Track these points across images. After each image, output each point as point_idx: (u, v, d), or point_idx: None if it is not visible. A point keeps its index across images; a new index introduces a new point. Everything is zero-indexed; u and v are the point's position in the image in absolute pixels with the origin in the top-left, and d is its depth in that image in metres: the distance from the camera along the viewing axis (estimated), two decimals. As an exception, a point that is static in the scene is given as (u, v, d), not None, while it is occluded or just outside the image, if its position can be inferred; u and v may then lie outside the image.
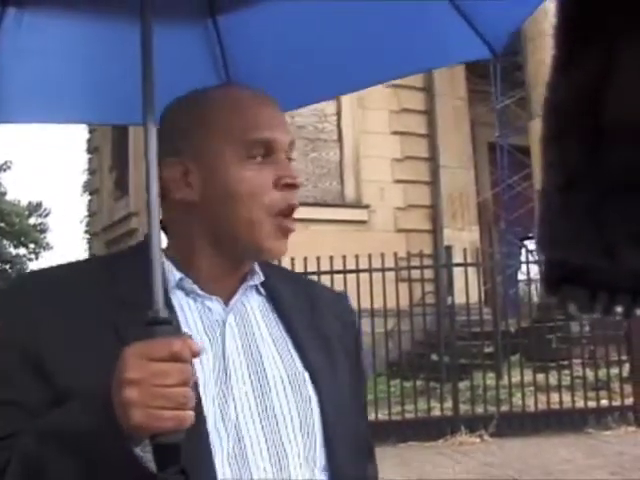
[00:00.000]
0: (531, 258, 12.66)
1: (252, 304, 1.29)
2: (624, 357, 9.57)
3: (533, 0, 1.51)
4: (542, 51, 12.64)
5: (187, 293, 1.22)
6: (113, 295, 1.16)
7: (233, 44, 1.55)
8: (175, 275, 1.22)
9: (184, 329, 1.17)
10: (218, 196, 1.20)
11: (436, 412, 9.21)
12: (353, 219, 14.09)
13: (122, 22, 1.43)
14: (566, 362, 9.70)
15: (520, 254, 17.49)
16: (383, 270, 9.32)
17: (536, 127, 12.77)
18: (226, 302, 1.24)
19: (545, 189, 0.64)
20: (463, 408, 9.25)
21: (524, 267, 11.77)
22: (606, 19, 0.58)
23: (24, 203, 30.32)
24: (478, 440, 8.76)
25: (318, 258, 8.98)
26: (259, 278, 1.29)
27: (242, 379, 1.20)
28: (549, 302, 11.18)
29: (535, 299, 11.63)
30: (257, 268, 1.30)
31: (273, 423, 1.19)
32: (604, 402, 9.21)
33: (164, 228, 1.24)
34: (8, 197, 29.07)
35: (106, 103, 1.66)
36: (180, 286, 1.22)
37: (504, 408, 9.14)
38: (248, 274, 1.29)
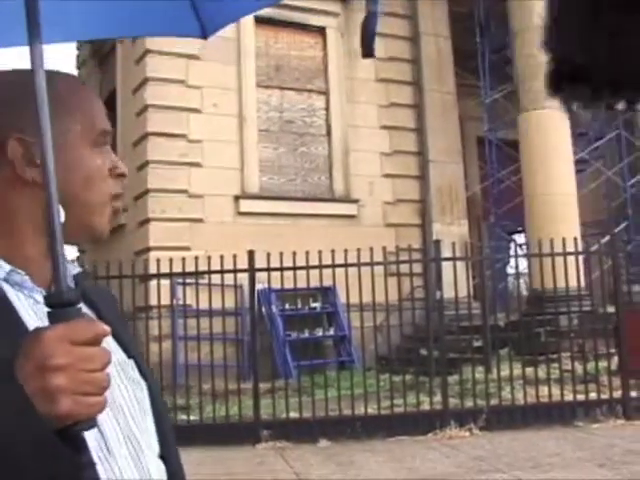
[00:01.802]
0: (520, 252, 12.68)
1: None
2: (612, 350, 9.62)
3: (253, 5, 1.68)
4: (530, 45, 12.63)
5: (13, 285, 1.12)
6: None
7: None
8: (4, 267, 1.12)
9: (28, 324, 1.09)
10: (64, 179, 1.12)
11: (425, 406, 9.22)
12: (342, 213, 14.09)
13: None
14: (555, 355, 9.74)
15: (509, 248, 17.51)
16: (372, 264, 9.32)
17: (525, 121, 12.79)
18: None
19: None
20: (452, 402, 9.26)
21: (513, 261, 11.77)
22: None
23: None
24: (467, 434, 8.78)
25: (307, 252, 8.97)
26: (74, 267, 1.23)
27: None
28: (538, 296, 11.21)
29: (524, 293, 11.64)
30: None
31: (119, 409, 1.15)
32: (593, 395, 9.24)
33: None
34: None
35: None
36: (7, 279, 1.12)
37: (493, 402, 9.16)
38: None
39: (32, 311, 1.12)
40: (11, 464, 0.89)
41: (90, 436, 1.00)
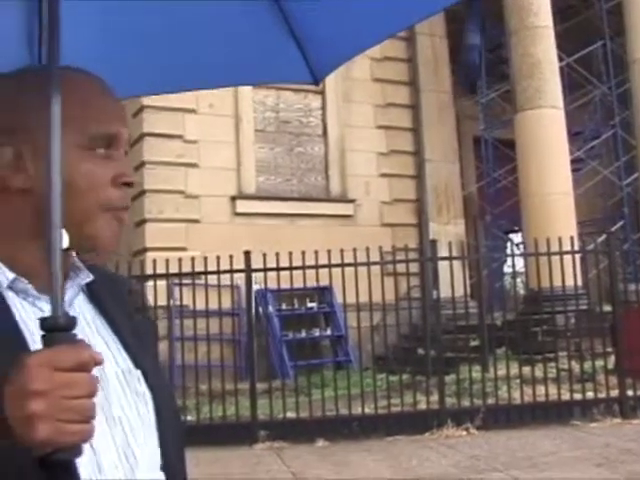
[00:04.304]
0: (516, 251, 12.68)
1: (80, 303, 1.21)
2: (609, 349, 9.61)
3: (363, 43, 1.62)
4: (526, 45, 12.65)
5: (17, 293, 1.11)
6: None
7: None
8: (7, 275, 1.11)
9: (24, 333, 1.08)
10: (42, 184, 1.08)
11: (422, 405, 9.22)
12: (339, 213, 14.09)
13: None
14: (552, 355, 9.74)
15: (506, 247, 17.55)
16: (369, 264, 9.32)
17: (521, 120, 12.80)
18: None
19: None
20: (449, 401, 9.26)
21: (509, 260, 11.78)
22: None
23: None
24: (464, 433, 8.77)
25: (303, 253, 8.97)
26: (87, 276, 1.21)
27: None
28: (535, 295, 11.22)
29: (521, 292, 11.65)
30: (80, 265, 1.22)
31: (118, 423, 1.13)
32: (590, 394, 9.25)
33: None
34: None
35: None
36: (11, 287, 1.11)
37: (490, 401, 9.16)
38: (70, 271, 1.19)
39: (35, 319, 1.06)
40: None
41: (83, 455, 0.98)
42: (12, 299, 1.10)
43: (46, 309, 1.09)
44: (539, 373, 9.36)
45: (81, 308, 1.19)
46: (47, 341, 0.94)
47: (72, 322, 0.97)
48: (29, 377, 0.88)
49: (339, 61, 1.68)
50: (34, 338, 1.04)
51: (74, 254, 1.20)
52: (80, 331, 1.08)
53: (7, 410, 0.88)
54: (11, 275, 1.11)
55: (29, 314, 1.10)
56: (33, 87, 1.14)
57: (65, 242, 1.04)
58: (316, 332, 11.71)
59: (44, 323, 0.95)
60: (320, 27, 1.53)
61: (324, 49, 1.57)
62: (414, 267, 11.08)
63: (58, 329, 0.95)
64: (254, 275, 9.46)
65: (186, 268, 9.32)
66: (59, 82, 1.08)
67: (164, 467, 1.19)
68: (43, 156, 1.06)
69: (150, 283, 10.11)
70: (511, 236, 18.95)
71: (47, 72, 1.11)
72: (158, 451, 1.19)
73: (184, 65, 1.62)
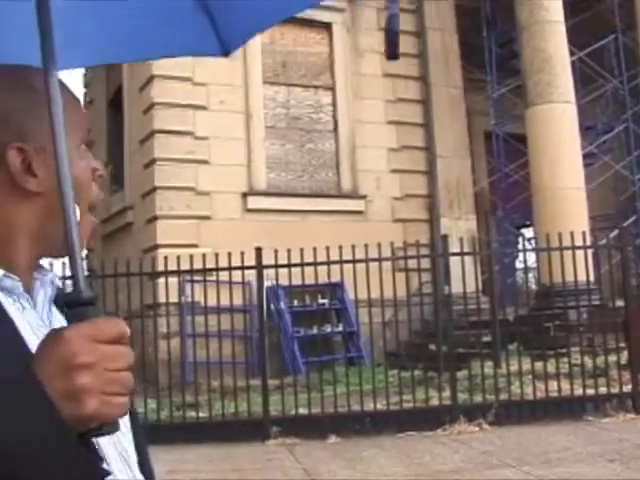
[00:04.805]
0: (528, 246, 12.65)
1: (49, 300, 1.17)
2: (622, 344, 9.58)
3: (271, 17, 1.63)
4: (537, 39, 12.60)
5: (2, 289, 1.07)
6: None
7: None
8: None
9: (26, 331, 1.06)
10: (50, 185, 1.09)
11: (434, 402, 9.20)
12: (350, 209, 14.09)
13: None
14: (564, 350, 9.71)
15: (517, 242, 17.49)
16: (380, 260, 9.30)
17: (532, 115, 12.75)
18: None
19: None
20: (461, 397, 9.25)
21: (521, 255, 11.73)
22: None
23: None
24: (477, 429, 8.76)
25: (315, 249, 8.97)
26: (54, 274, 1.19)
27: None
28: (547, 290, 11.18)
29: (533, 287, 11.61)
30: (44, 266, 1.20)
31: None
32: (602, 390, 9.21)
33: None
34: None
35: None
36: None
37: (502, 397, 9.14)
38: (37, 269, 1.18)
39: (20, 316, 1.07)
40: (33, 472, 0.84)
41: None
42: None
43: (27, 306, 1.09)
44: (551, 368, 9.33)
45: (50, 304, 1.16)
46: (77, 316, 0.92)
47: (95, 296, 0.96)
48: (74, 350, 0.86)
49: (248, 35, 1.69)
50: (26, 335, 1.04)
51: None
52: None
53: (48, 387, 0.85)
54: (0, 272, 1.08)
55: (12, 311, 1.07)
56: (31, 87, 1.14)
57: (77, 215, 1.03)
58: (328, 328, 11.70)
59: (68, 298, 0.95)
60: (229, 1, 1.55)
61: (233, 22, 1.57)
62: (425, 263, 11.05)
63: (86, 303, 0.94)
64: (265, 271, 9.45)
65: (197, 265, 9.32)
66: (57, 82, 1.07)
67: (139, 464, 1.19)
68: (48, 158, 1.06)
69: (162, 280, 10.14)
70: (523, 231, 18.92)
71: (41, 72, 1.10)
72: (134, 448, 1.18)
73: (88, 39, 1.58)
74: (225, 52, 1.64)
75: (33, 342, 1.00)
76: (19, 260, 1.12)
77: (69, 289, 0.99)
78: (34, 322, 1.09)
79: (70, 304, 0.94)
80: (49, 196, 1.10)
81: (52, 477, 0.86)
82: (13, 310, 1.07)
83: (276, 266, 9.29)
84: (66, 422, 0.85)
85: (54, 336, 0.89)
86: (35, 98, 1.13)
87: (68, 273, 1.05)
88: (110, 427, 0.90)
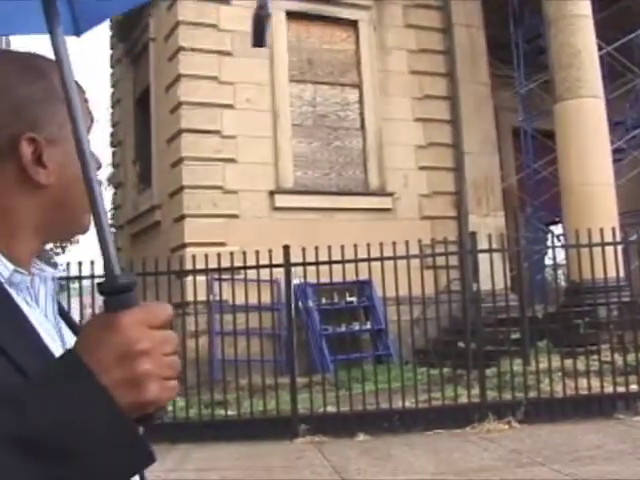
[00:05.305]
0: (557, 243, 12.56)
1: (52, 296, 1.17)
2: (653, 341, 9.49)
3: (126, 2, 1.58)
4: (565, 34, 12.50)
5: (9, 284, 1.06)
6: None
7: None
8: (8, 267, 1.07)
9: (37, 327, 1.05)
10: (72, 179, 1.09)
11: (463, 399, 9.17)
12: (377, 207, 14.06)
13: None
14: (594, 347, 9.63)
15: (546, 239, 17.38)
16: (408, 257, 9.28)
17: (561, 111, 12.65)
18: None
19: None
20: (490, 395, 9.21)
21: (550, 252, 11.66)
22: None
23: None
24: (506, 427, 8.72)
25: (342, 247, 8.96)
26: (53, 271, 1.17)
27: None
28: (576, 287, 11.10)
29: (562, 284, 11.53)
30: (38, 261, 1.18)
31: None
32: (633, 387, 9.13)
33: None
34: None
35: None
36: (8, 279, 1.06)
37: (532, 394, 9.09)
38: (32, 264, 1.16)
39: (29, 311, 1.06)
40: (92, 461, 0.84)
41: None
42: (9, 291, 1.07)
43: (28, 300, 1.08)
44: (581, 366, 9.27)
45: (51, 297, 1.16)
46: (118, 303, 0.90)
47: (133, 281, 0.94)
48: (134, 337, 0.87)
49: (101, 18, 1.67)
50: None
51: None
52: (58, 320, 1.13)
53: (105, 376, 0.85)
54: (11, 267, 1.07)
55: (24, 306, 1.06)
56: (49, 77, 1.12)
57: None
58: (356, 326, 11.70)
59: (105, 286, 0.92)
60: None
61: (87, 5, 1.55)
62: (454, 260, 11.02)
63: (125, 290, 0.92)
64: (293, 269, 9.47)
65: (225, 263, 9.36)
66: (70, 70, 1.04)
67: None
68: (67, 152, 1.06)
69: (189, 278, 10.17)
70: (552, 228, 18.79)
71: (49, 62, 1.10)
72: None
73: None
74: (77, 32, 1.62)
75: (47, 335, 1.02)
76: (23, 251, 1.10)
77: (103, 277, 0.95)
78: (38, 317, 1.08)
79: (108, 292, 0.92)
80: (56, 188, 1.09)
81: (108, 464, 0.85)
82: (24, 305, 1.06)
83: (304, 264, 9.30)
84: (124, 410, 0.85)
85: (106, 323, 0.88)
86: (47, 88, 1.11)
87: (97, 272, 1.04)
88: (162, 412, 0.91)
